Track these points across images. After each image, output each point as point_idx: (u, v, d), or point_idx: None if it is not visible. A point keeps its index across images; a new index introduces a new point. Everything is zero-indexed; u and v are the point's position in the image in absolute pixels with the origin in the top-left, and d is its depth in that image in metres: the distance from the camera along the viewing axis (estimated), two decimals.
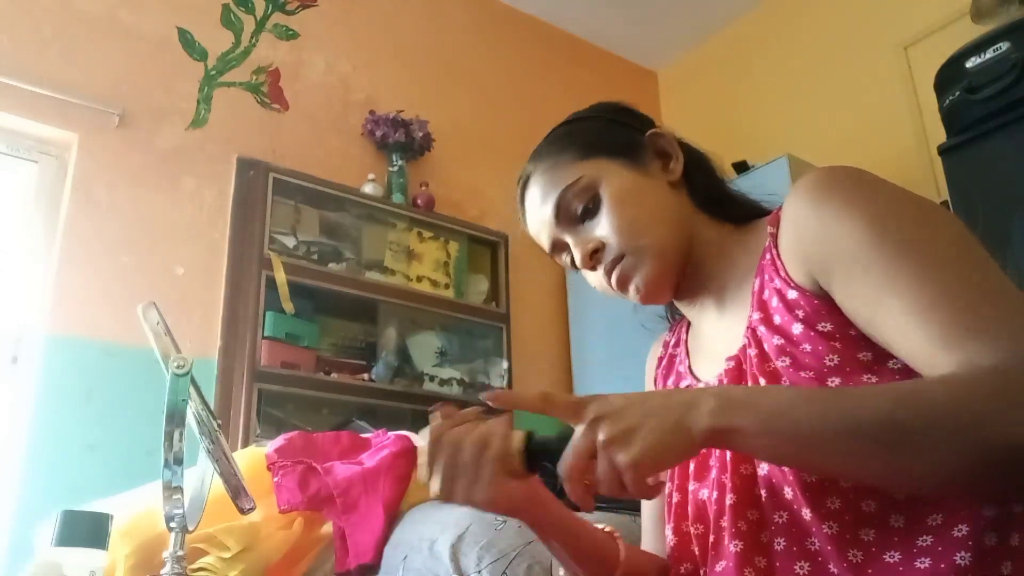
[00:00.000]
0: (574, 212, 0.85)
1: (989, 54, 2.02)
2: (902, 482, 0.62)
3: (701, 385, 0.84)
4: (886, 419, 0.56)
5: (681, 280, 0.86)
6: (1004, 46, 1.99)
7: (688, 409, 0.60)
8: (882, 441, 0.56)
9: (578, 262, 0.87)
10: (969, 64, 2.06)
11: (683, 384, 0.89)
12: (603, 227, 0.84)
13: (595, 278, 0.87)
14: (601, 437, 0.60)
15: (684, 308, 0.91)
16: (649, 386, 0.99)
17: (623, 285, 0.85)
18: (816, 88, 3.18)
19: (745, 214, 0.87)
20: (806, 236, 0.71)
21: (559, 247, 0.89)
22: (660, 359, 0.98)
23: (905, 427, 0.56)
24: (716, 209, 0.88)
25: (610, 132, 0.90)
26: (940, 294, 0.61)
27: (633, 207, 0.84)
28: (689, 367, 0.90)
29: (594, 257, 0.85)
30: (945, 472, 0.57)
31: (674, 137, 0.90)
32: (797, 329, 0.71)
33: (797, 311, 0.71)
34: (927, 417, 0.56)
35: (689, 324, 0.94)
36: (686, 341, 0.93)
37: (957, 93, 2.08)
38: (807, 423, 0.58)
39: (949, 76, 2.12)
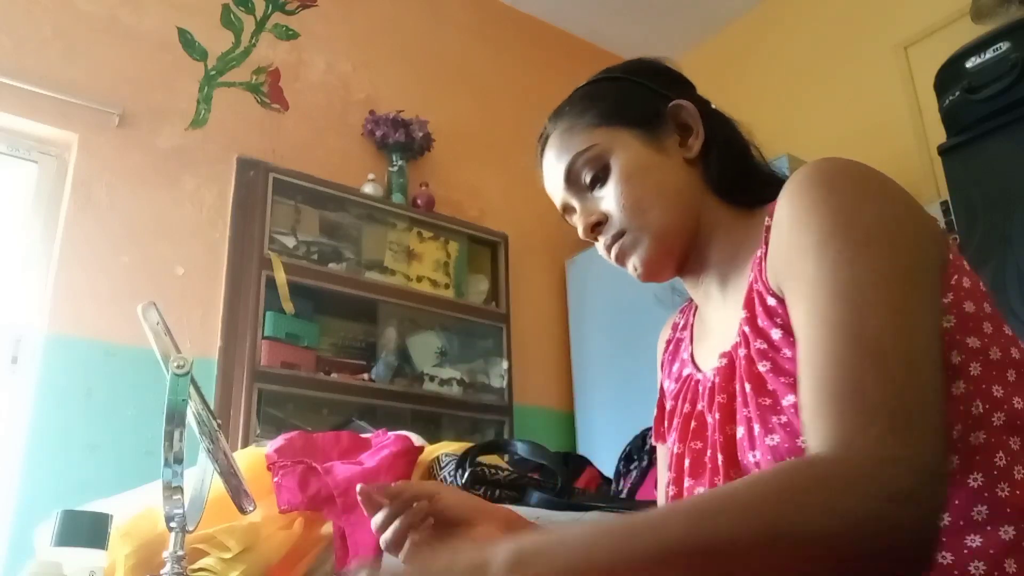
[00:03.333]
0: (583, 179, 0.85)
1: (989, 54, 2.02)
2: None
3: (700, 377, 0.83)
4: (686, 543, 0.51)
5: (685, 259, 0.85)
6: (1004, 46, 1.99)
7: (475, 572, 0.54)
8: (692, 567, 0.51)
9: (580, 232, 0.87)
10: (969, 64, 2.06)
11: (685, 372, 0.87)
12: (608, 200, 0.84)
13: (598, 245, 0.88)
14: None
15: (689, 288, 0.90)
16: (659, 370, 0.98)
17: (621, 261, 0.85)
18: (816, 88, 3.18)
19: (758, 198, 0.84)
20: (780, 235, 0.70)
21: (569, 210, 0.89)
22: (668, 342, 0.97)
23: (708, 548, 0.51)
24: (728, 193, 0.85)
25: (631, 98, 0.87)
26: (833, 344, 0.58)
27: (640, 185, 0.82)
28: (692, 355, 0.89)
29: (595, 229, 0.85)
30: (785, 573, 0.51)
31: (699, 110, 0.87)
32: (776, 334, 0.70)
33: (775, 317, 0.71)
34: (728, 530, 0.51)
35: (697, 307, 0.92)
36: (692, 325, 0.92)
37: (957, 93, 2.08)
38: (608, 564, 0.52)
39: (949, 76, 2.12)
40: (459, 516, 0.80)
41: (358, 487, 0.77)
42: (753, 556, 0.51)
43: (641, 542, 0.52)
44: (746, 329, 0.74)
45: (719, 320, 0.84)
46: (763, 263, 0.73)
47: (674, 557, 0.51)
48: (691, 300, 0.95)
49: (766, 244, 0.74)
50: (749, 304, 0.75)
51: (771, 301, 0.71)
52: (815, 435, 0.56)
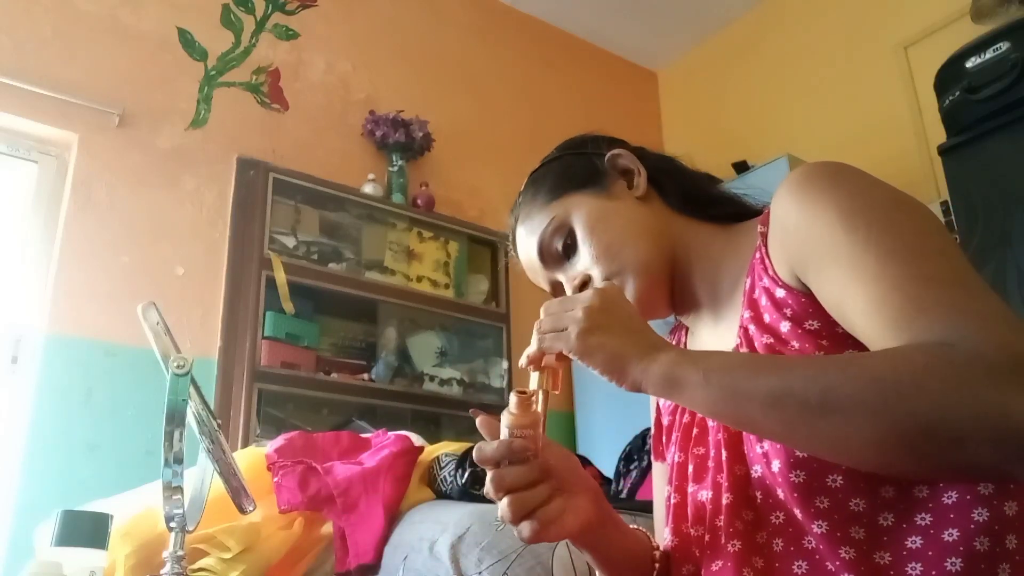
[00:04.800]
0: (556, 252, 0.88)
1: (989, 54, 2.02)
2: (830, 449, 0.61)
3: None
4: (815, 382, 0.57)
5: (675, 292, 0.87)
6: (1004, 46, 1.99)
7: (653, 350, 0.66)
8: (810, 404, 0.57)
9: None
10: (969, 64, 2.06)
11: None
12: (584, 259, 0.86)
13: None
14: (582, 306, 0.68)
15: (682, 318, 0.92)
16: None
17: None
18: (816, 88, 3.18)
19: (731, 213, 0.87)
20: (788, 231, 0.71)
21: (557, 287, 0.92)
22: None
23: (833, 391, 0.56)
24: (696, 211, 0.88)
25: (572, 167, 0.91)
26: (898, 281, 0.61)
27: (604, 231, 0.85)
28: None
29: (583, 289, 0.86)
30: (870, 444, 0.56)
31: (635, 151, 0.91)
32: (785, 327, 0.71)
33: (785, 309, 0.72)
34: (856, 383, 0.56)
35: (688, 328, 0.94)
36: (685, 344, 0.93)
37: (957, 93, 2.08)
38: (744, 381, 0.61)
39: (949, 76, 2.12)
40: (559, 476, 0.72)
41: (474, 413, 0.76)
42: (865, 419, 0.55)
43: (777, 372, 0.60)
44: (750, 327, 0.75)
45: (714, 336, 0.86)
46: (766, 261, 0.74)
47: (799, 390, 0.57)
48: (680, 323, 0.97)
49: (765, 246, 0.75)
50: (752, 304, 0.76)
51: (780, 293, 0.72)
52: (911, 340, 0.58)
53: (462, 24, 3.36)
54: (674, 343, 0.95)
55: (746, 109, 3.40)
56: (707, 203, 0.88)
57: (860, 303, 0.63)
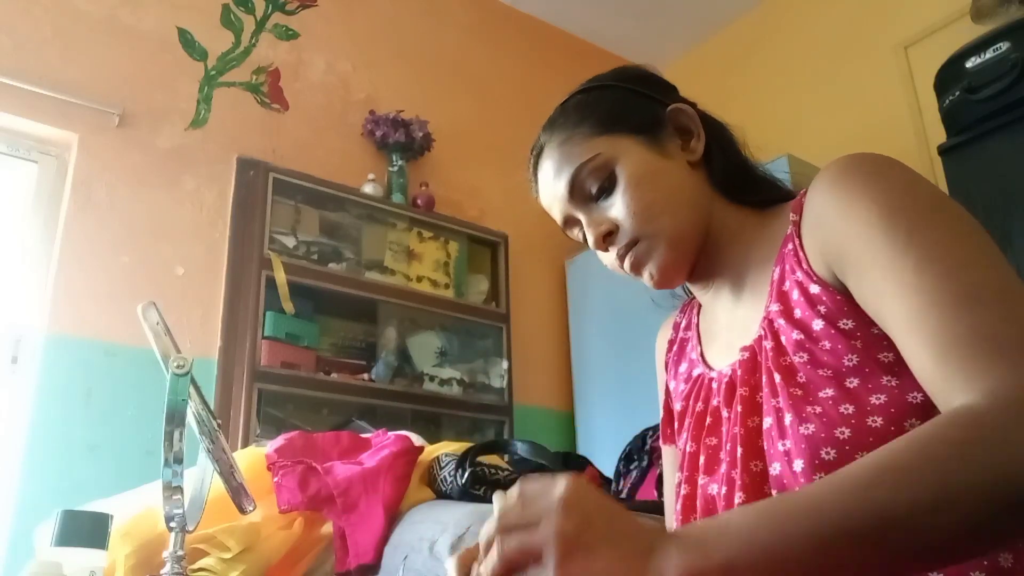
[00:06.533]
0: (588, 190, 0.82)
1: (989, 54, 2.02)
2: (927, 562, 0.53)
3: (713, 375, 0.83)
4: (851, 520, 0.50)
5: (698, 268, 0.84)
6: (1004, 46, 1.99)
7: (650, 553, 0.52)
8: (861, 543, 0.49)
9: (591, 243, 0.84)
10: (969, 64, 2.06)
11: (696, 372, 0.87)
12: (618, 209, 0.81)
13: (607, 258, 0.85)
14: (553, 527, 0.52)
15: (698, 291, 0.89)
16: (660, 371, 0.97)
17: (637, 270, 0.83)
18: (816, 88, 3.18)
19: (767, 198, 0.84)
20: (824, 225, 0.69)
21: (571, 223, 0.86)
22: (671, 343, 0.95)
23: (875, 521, 0.49)
24: (735, 192, 0.84)
25: (629, 105, 0.86)
26: (937, 295, 0.59)
27: (650, 190, 0.81)
28: (701, 354, 0.88)
29: (607, 239, 0.82)
30: (962, 532, 0.50)
31: (695, 113, 0.86)
32: (818, 325, 0.69)
33: (819, 307, 0.70)
34: (893, 499, 0.50)
35: (700, 306, 0.91)
36: (697, 324, 0.91)
37: (957, 93, 2.08)
38: (775, 552, 0.50)
39: (949, 76, 2.12)
40: None
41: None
42: (922, 521, 0.49)
43: (802, 527, 0.50)
44: (780, 322, 0.73)
45: (734, 318, 0.83)
46: (800, 254, 0.72)
47: (841, 537, 0.50)
48: (690, 299, 0.95)
49: (798, 237, 0.73)
50: (781, 297, 0.74)
51: (814, 289, 0.71)
52: (955, 392, 0.56)
53: (462, 24, 3.36)
54: (686, 322, 0.94)
55: (746, 109, 3.39)
56: (748, 187, 0.85)
57: (899, 316, 0.62)
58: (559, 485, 0.53)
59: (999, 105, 1.99)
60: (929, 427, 0.53)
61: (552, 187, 0.85)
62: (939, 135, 2.22)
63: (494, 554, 0.53)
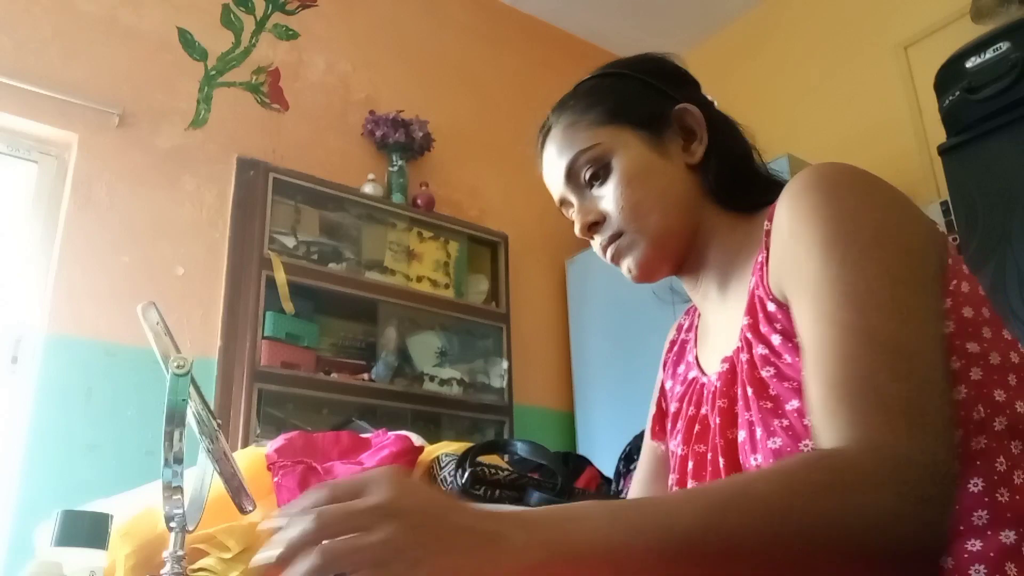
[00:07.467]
0: (583, 176, 0.85)
1: (989, 54, 2.02)
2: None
3: (704, 380, 0.83)
4: (695, 536, 0.50)
5: (682, 261, 0.85)
6: (1004, 46, 1.99)
7: (499, 537, 0.49)
8: (704, 561, 0.50)
9: (577, 230, 0.87)
10: (969, 64, 2.06)
11: (691, 375, 0.87)
12: (607, 200, 0.83)
13: (594, 244, 0.88)
14: (384, 534, 0.46)
15: (688, 288, 0.90)
16: (660, 370, 0.98)
17: (616, 261, 0.85)
18: (816, 88, 3.18)
19: (758, 203, 0.83)
20: (779, 242, 0.70)
21: (566, 204, 0.89)
22: (672, 343, 0.97)
23: (719, 543, 0.50)
24: (727, 199, 0.85)
25: (637, 98, 0.86)
26: (843, 333, 0.59)
27: (641, 188, 0.82)
28: (696, 357, 0.89)
29: (592, 228, 0.85)
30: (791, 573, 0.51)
31: (701, 115, 0.86)
32: (776, 340, 0.70)
33: (775, 323, 0.71)
34: (739, 525, 0.50)
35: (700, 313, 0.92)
36: (696, 327, 0.92)
37: (957, 93, 2.08)
38: (620, 550, 0.50)
39: (949, 76, 2.12)
40: None
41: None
42: (765, 552, 0.50)
43: (652, 533, 0.50)
44: (748, 335, 0.74)
45: (718, 322, 0.84)
46: (764, 268, 0.73)
47: (689, 554, 0.50)
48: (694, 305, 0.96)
49: (767, 249, 0.74)
50: (751, 310, 0.75)
51: (771, 307, 0.71)
52: (829, 432, 0.56)
53: (462, 24, 3.36)
54: (689, 323, 0.95)
55: (746, 109, 3.38)
56: (740, 194, 0.85)
57: (808, 342, 0.63)
58: (378, 488, 0.48)
59: (999, 105, 1.99)
60: (799, 462, 0.55)
61: (552, 168, 0.88)
62: (939, 135, 2.22)
63: (305, 569, 0.46)
